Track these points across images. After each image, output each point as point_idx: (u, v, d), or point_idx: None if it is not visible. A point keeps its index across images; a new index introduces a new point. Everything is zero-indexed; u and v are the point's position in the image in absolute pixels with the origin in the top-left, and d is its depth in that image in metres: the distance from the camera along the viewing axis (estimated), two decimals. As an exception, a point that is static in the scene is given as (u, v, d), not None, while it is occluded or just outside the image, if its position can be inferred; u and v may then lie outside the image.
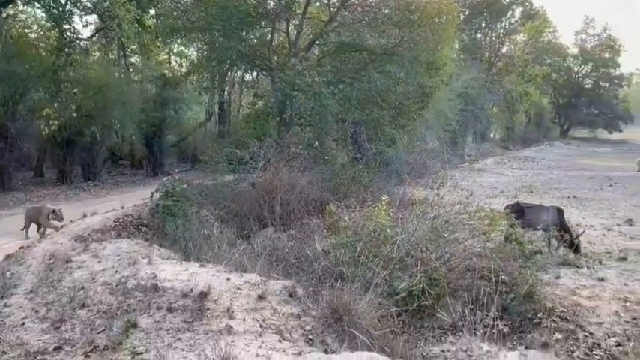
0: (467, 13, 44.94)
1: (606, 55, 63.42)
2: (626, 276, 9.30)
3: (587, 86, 66.68)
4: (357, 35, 18.62)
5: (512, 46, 49.64)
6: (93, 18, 22.53)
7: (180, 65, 29.57)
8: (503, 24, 46.83)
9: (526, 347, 6.25)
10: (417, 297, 7.47)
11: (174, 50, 28.63)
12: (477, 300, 7.48)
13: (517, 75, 46.16)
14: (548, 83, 59.20)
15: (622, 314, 7.62)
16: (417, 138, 24.68)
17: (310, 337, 5.87)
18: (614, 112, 64.89)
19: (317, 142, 19.26)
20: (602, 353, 6.57)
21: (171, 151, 27.94)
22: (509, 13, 46.50)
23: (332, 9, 18.85)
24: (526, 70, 46.13)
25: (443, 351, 5.35)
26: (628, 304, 7.93)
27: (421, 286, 7.51)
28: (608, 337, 6.96)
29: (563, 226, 10.94)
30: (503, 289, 7.98)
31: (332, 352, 5.42)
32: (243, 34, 19.13)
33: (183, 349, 4.97)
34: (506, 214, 10.59)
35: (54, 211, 11.06)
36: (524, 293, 7.93)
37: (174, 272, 6.93)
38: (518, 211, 11.07)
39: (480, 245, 8.98)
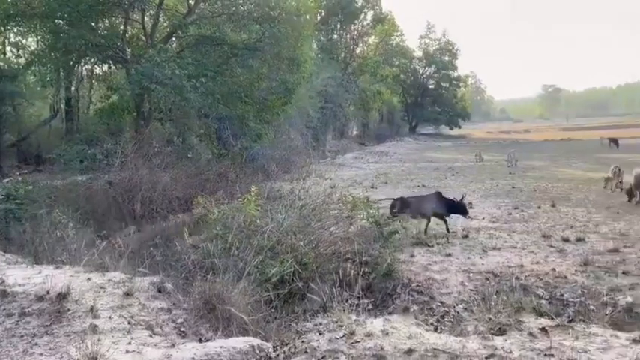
0: (323, 13, 46.74)
1: (446, 59, 70.54)
2: (468, 251, 10.40)
3: (430, 86, 73.62)
4: (218, 29, 18.40)
5: (365, 48, 52.79)
6: None
7: (19, 56, 26.49)
8: (357, 26, 49.63)
9: (389, 313, 6.79)
10: (288, 282, 7.70)
11: (11, 39, 25.60)
12: (343, 281, 7.94)
13: (370, 75, 49.21)
14: (397, 83, 63.99)
15: (467, 284, 8.56)
16: (281, 134, 25.13)
17: (183, 329, 5.75)
18: (454, 110, 72.47)
19: (180, 138, 18.66)
20: (452, 319, 7.35)
21: (10, 152, 24.94)
22: (362, 16, 49.47)
23: (190, 1, 18.39)
24: (378, 70, 49.39)
25: (316, 325, 5.60)
26: (471, 274, 8.92)
27: (292, 270, 7.75)
28: (457, 304, 7.81)
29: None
30: (366, 270, 8.55)
31: (207, 341, 5.37)
32: (93, 23, 17.80)
33: (42, 354, 4.54)
34: (393, 208, 11.33)
35: None
36: (385, 272, 8.58)
37: (26, 276, 6.26)
38: (405, 204, 11.89)
39: (344, 230, 9.50)
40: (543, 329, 4.85)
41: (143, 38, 18.77)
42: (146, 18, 18.75)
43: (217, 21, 18.36)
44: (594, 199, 15.65)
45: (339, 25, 48.92)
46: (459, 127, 74.48)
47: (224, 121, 19.76)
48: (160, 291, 6.50)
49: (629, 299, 6.91)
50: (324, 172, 22.45)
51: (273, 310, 7.34)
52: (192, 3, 18.29)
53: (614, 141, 37.03)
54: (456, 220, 12.17)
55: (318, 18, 45.62)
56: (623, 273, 8.16)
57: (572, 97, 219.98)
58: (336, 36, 49.70)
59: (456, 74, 72.65)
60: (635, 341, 4.52)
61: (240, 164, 17.99)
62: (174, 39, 19.49)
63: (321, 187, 12.16)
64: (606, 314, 6.43)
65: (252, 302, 6.71)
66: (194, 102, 16.37)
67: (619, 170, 16.74)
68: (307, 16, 21.60)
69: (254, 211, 9.56)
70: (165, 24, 20.08)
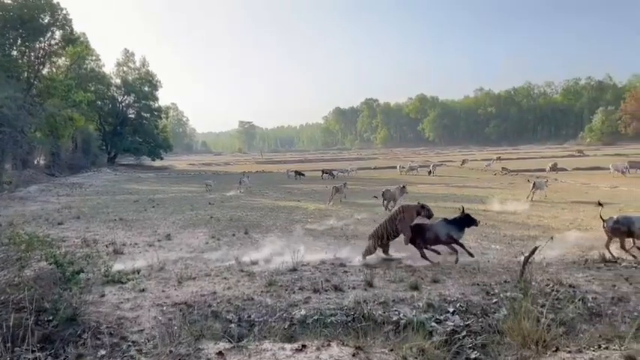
0: (-2, 25, 40.58)
1: (146, 89, 69.81)
2: (163, 283, 10.16)
3: (131, 116, 71.65)
4: None
5: (54, 69, 47.77)
6: None
7: None
8: (43, 44, 44.47)
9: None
10: None
11: None
12: (13, 335, 6.71)
13: (60, 99, 44.67)
14: (94, 110, 59.93)
15: (160, 318, 8.30)
16: None
17: None
18: (155, 141, 72.05)
19: None
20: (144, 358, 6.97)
21: None
22: (49, 34, 44.58)
23: None
24: (70, 94, 45.29)
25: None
26: (165, 307, 8.71)
27: None
28: (149, 341, 7.46)
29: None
30: (45, 318, 7.47)
31: None
32: None
33: None
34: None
35: None
36: (67, 317, 7.64)
37: None
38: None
39: (16, 275, 8.11)
40: (220, 353, 4.99)
41: None
42: None
43: None
44: (280, 225, 17.46)
45: (19, 41, 42.95)
46: (161, 159, 74.39)
47: None
48: None
49: (303, 312, 7.81)
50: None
51: None
52: None
53: (299, 173, 42.91)
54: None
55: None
56: (299, 289, 9.18)
57: (265, 133, 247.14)
58: (15, 52, 43.46)
59: (157, 105, 72.55)
60: (297, 350, 5.06)
61: None
62: None
63: (-11, 225, 10.14)
64: (284, 328, 7.09)
65: None
66: None
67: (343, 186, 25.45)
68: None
69: None
70: None
